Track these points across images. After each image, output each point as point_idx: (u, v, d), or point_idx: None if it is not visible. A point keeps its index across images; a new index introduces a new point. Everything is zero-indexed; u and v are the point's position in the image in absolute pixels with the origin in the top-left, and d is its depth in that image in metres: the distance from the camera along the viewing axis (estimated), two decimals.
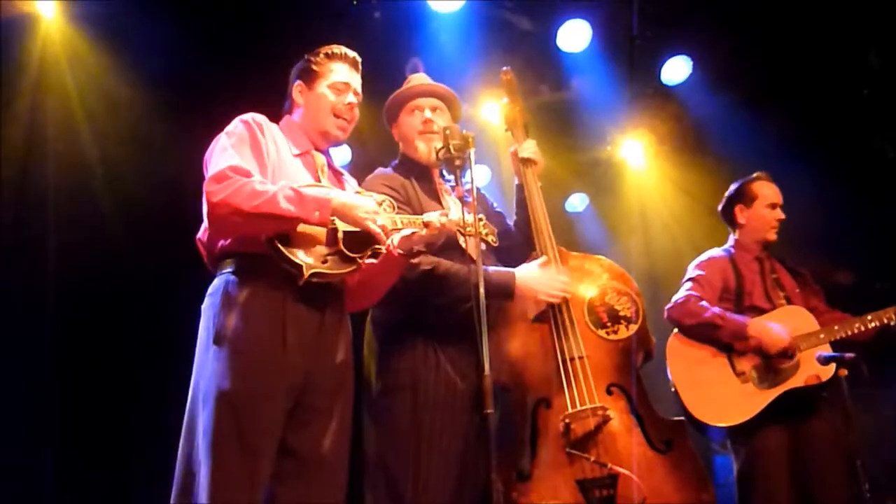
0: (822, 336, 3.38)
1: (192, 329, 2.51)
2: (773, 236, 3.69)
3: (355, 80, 2.76)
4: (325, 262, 2.43)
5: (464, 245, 2.85)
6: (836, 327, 3.40)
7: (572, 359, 2.94)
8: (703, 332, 3.45)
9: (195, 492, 2.30)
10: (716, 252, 3.74)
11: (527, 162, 3.26)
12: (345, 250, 2.45)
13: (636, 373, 3.03)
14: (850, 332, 3.38)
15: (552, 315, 3.00)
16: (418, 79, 3.22)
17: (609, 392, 2.96)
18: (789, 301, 3.57)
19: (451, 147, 2.66)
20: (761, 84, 4.98)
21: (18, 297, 4.19)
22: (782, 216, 3.69)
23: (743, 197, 3.74)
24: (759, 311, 3.53)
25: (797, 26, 4.69)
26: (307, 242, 2.42)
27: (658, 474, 2.86)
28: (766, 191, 3.73)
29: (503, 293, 2.94)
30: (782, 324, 3.42)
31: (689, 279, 3.63)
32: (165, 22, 4.19)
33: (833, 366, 3.16)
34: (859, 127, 4.90)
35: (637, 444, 2.89)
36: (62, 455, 4.27)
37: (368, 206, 2.50)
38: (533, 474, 2.88)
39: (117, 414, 4.29)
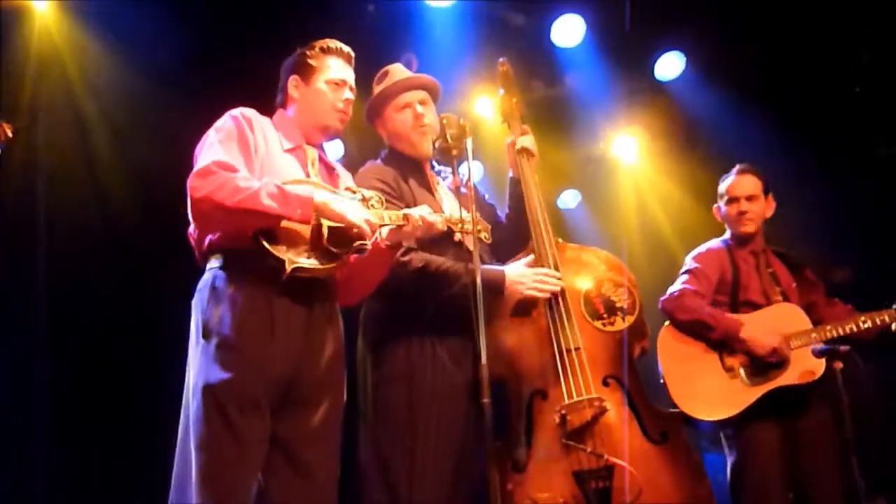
0: (813, 335, 3.37)
1: (187, 324, 2.50)
2: (743, 228, 3.61)
3: (350, 75, 2.76)
4: (308, 257, 2.42)
5: (458, 239, 2.85)
6: (828, 327, 3.39)
7: (568, 350, 2.93)
8: (696, 330, 3.44)
9: (190, 487, 2.29)
10: (714, 244, 3.72)
11: (524, 153, 3.24)
12: (329, 247, 2.44)
13: (632, 364, 3.03)
14: (842, 332, 3.36)
15: (548, 306, 2.99)
16: (398, 71, 3.17)
17: (605, 384, 2.95)
18: (785, 296, 3.54)
19: (448, 136, 2.65)
20: (754, 80, 4.98)
21: (10, 287, 4.17)
22: (744, 209, 3.60)
23: (719, 196, 3.75)
24: (755, 306, 3.51)
25: (790, 22, 4.71)
26: (292, 238, 2.41)
27: (654, 466, 2.86)
28: (724, 186, 3.71)
29: (493, 289, 2.92)
30: (774, 322, 3.41)
31: (686, 271, 3.60)
32: (158, 12, 4.18)
33: (826, 359, 3.17)
34: (851, 123, 4.91)
35: (633, 435, 2.89)
36: (54, 449, 4.24)
37: (352, 205, 2.49)
38: (528, 465, 2.88)
39: (113, 411, 4.26)
